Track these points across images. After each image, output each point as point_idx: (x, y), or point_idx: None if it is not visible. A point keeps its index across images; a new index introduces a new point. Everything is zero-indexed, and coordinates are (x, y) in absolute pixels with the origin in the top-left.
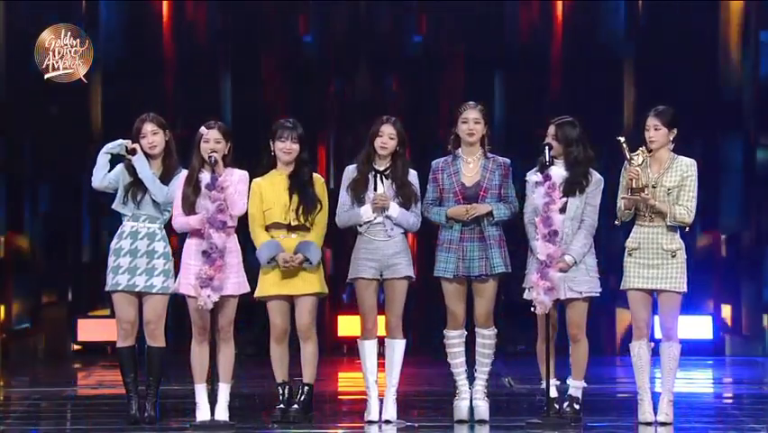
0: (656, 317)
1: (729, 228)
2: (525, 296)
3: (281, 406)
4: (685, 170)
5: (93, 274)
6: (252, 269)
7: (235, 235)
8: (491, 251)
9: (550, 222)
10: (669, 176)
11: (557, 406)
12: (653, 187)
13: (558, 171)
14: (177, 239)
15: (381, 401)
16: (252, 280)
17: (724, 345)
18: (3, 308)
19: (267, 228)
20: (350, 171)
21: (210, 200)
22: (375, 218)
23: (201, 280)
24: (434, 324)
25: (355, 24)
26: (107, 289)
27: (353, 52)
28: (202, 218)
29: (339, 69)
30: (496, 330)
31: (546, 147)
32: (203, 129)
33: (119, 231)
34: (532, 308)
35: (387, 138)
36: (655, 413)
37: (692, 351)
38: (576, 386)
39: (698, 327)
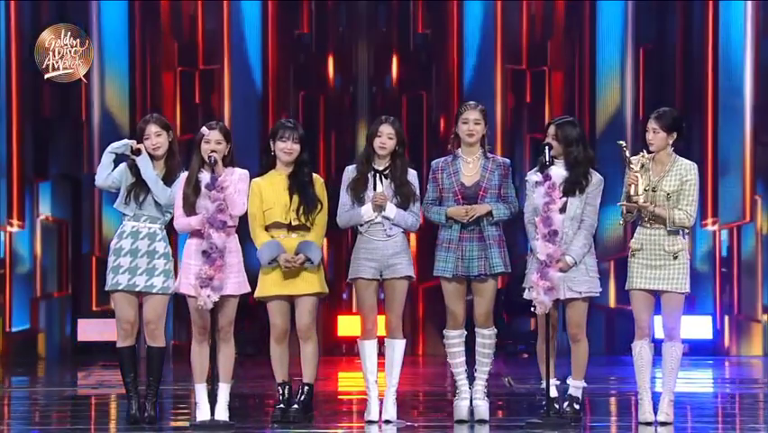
0: (657, 318)
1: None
2: (526, 296)
3: (281, 406)
4: (684, 173)
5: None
6: (252, 269)
7: (235, 235)
8: (490, 250)
9: (550, 222)
10: (668, 180)
11: (557, 406)
12: (653, 191)
13: (558, 171)
14: (176, 238)
15: (381, 401)
16: (252, 281)
17: (724, 345)
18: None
19: (267, 228)
20: (349, 171)
21: (210, 200)
22: (376, 217)
23: (201, 280)
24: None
25: None
26: (107, 288)
27: None
28: (202, 218)
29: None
30: (496, 330)
31: (546, 147)
32: (204, 129)
33: (119, 231)
34: (532, 308)
35: (386, 138)
36: (655, 413)
37: (692, 351)
38: (576, 386)
39: (698, 326)
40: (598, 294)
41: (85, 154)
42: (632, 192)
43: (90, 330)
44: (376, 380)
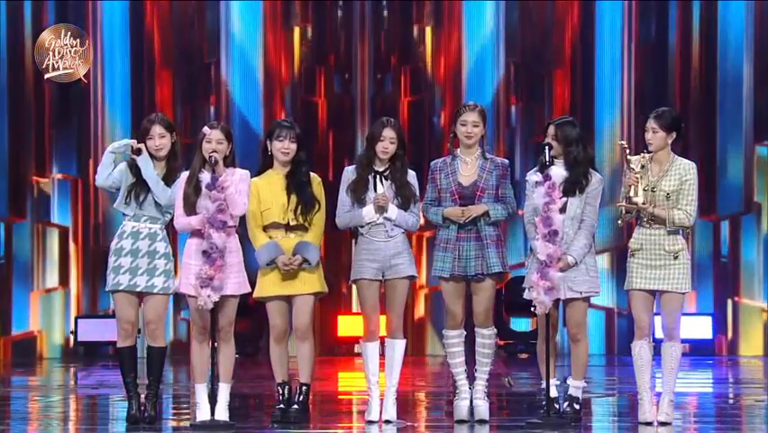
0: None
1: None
2: (526, 295)
3: (281, 406)
4: (683, 173)
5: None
6: (252, 269)
7: (236, 235)
8: (488, 250)
9: (550, 222)
10: (667, 180)
11: (557, 406)
12: (653, 190)
13: (558, 171)
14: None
15: (382, 402)
16: (251, 281)
17: (724, 346)
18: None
19: (265, 228)
20: (348, 172)
21: (210, 200)
22: (378, 219)
23: (201, 280)
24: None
25: None
26: (108, 288)
27: None
28: (202, 218)
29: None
30: (495, 330)
31: (546, 147)
32: (206, 129)
33: (120, 231)
34: (532, 308)
35: (388, 143)
36: (656, 413)
37: (692, 351)
38: (576, 386)
39: (698, 327)
40: (598, 294)
41: (84, 154)
42: (631, 193)
43: (90, 330)
44: (377, 380)
